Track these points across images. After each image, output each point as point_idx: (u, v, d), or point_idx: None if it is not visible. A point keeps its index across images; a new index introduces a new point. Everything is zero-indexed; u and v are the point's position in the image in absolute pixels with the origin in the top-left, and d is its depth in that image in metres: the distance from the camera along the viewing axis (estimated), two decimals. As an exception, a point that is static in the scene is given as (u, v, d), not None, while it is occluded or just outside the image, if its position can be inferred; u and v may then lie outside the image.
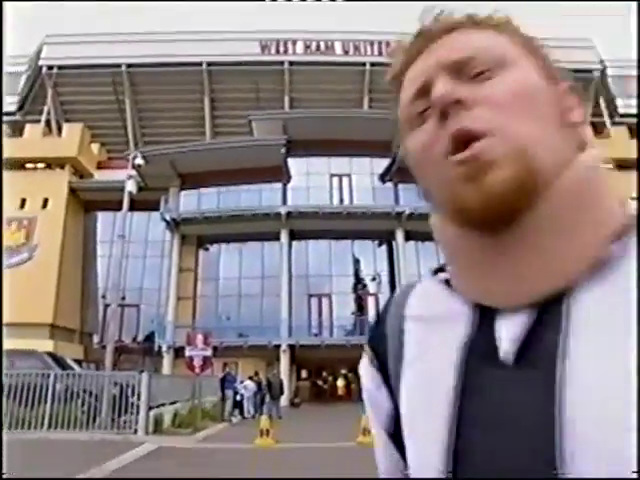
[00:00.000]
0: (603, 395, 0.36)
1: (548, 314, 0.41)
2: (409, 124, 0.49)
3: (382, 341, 0.54)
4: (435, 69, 0.47)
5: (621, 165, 26.13)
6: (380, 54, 30.25)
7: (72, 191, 25.99)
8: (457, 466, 0.42)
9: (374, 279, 25.90)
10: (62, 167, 25.99)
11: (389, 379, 0.53)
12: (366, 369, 0.56)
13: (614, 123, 28.36)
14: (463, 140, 0.43)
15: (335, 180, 26.10)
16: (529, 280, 0.42)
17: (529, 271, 0.42)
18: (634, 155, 26.13)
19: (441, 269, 0.52)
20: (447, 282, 0.50)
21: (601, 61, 29.99)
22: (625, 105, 29.34)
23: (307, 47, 30.12)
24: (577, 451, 0.36)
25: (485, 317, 0.45)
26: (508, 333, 0.42)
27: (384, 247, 26.06)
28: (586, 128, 0.48)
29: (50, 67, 29.11)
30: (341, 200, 25.65)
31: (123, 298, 17.73)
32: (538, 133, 0.43)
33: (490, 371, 0.43)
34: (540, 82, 0.46)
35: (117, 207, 19.53)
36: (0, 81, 24.54)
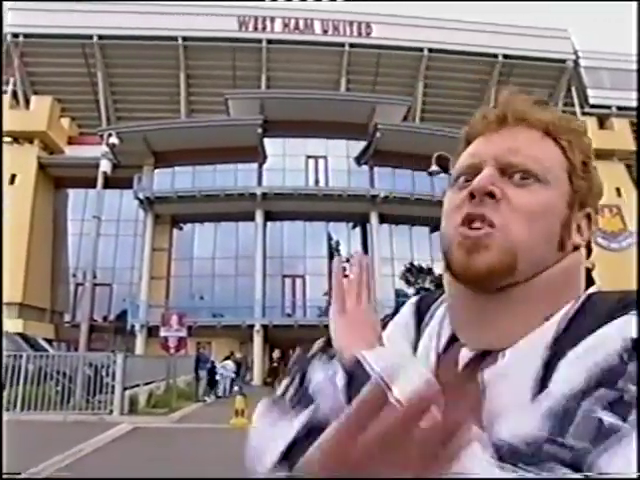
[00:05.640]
0: (506, 401, 0.52)
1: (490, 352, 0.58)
2: (456, 180, 0.63)
3: (417, 314, 0.71)
4: (490, 158, 0.59)
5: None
6: (360, 35, 30.03)
7: (41, 167, 25.16)
8: None
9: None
10: (31, 142, 25.07)
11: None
12: (409, 313, 0.72)
13: (584, 113, 28.99)
14: (477, 219, 0.56)
15: (311, 162, 26.08)
16: (492, 338, 0.57)
17: (494, 332, 0.57)
18: (603, 145, 26.81)
19: None
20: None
21: (575, 52, 30.52)
22: (595, 96, 30.02)
23: (286, 25, 29.63)
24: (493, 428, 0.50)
25: (454, 341, 0.62)
26: (465, 355, 0.59)
27: (358, 229, 26.32)
28: (587, 233, 0.61)
29: (15, 35, 27.81)
30: (317, 182, 25.69)
31: (95, 277, 17.48)
32: (530, 242, 0.56)
33: (452, 372, 0.59)
34: (557, 209, 0.58)
35: (89, 184, 19.15)
36: (0, 70, 23.49)
